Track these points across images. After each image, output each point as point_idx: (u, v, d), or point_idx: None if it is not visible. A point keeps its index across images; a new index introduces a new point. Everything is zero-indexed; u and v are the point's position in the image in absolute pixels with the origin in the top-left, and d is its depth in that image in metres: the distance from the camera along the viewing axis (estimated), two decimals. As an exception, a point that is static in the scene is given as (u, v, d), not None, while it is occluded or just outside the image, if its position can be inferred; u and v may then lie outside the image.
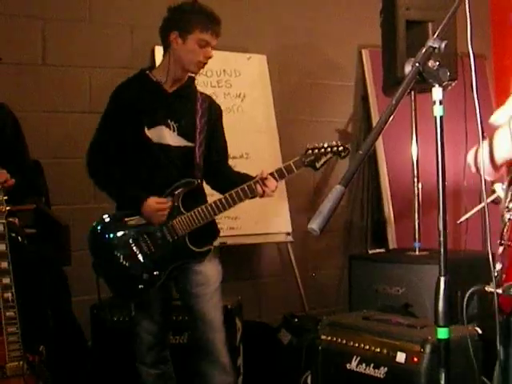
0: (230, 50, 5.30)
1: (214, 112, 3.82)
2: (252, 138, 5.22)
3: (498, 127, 2.46)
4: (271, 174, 3.57)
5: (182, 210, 3.59)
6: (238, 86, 5.31)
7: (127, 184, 3.68)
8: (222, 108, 3.98)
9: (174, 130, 3.65)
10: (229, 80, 5.29)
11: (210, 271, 3.71)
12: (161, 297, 3.73)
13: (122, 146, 3.70)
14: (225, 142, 3.91)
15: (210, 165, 3.80)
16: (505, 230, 2.25)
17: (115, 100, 3.75)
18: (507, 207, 2.27)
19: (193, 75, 3.79)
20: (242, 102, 5.29)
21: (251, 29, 5.54)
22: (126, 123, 3.66)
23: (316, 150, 3.60)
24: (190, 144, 3.68)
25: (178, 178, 3.63)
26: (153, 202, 3.57)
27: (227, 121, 3.98)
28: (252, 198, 3.61)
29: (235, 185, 3.58)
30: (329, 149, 3.62)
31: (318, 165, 3.63)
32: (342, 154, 3.66)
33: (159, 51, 3.96)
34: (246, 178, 3.65)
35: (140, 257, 3.61)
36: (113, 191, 3.74)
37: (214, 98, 3.97)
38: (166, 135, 3.64)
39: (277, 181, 3.59)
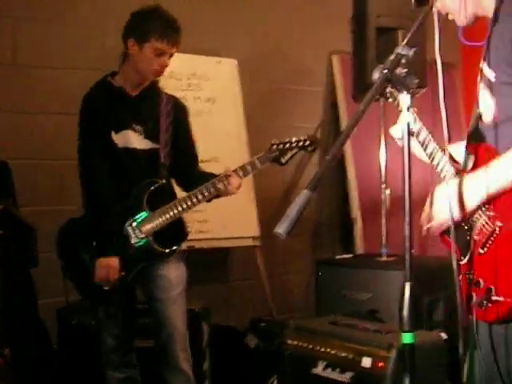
0: (200, 53, 5.31)
1: (179, 112, 3.80)
2: (221, 142, 5.23)
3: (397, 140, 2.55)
4: (234, 171, 3.57)
5: (146, 211, 3.58)
6: (209, 89, 5.31)
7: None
8: (192, 111, 3.97)
9: (140, 134, 3.65)
10: (199, 84, 5.28)
11: (173, 274, 3.69)
12: (125, 300, 3.72)
13: (98, 155, 3.69)
14: (193, 143, 3.88)
15: (179, 166, 3.79)
16: (480, 237, 2.26)
17: (84, 113, 3.74)
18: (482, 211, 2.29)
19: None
20: (212, 105, 5.29)
21: (223, 33, 5.54)
22: (96, 132, 3.66)
23: (281, 145, 3.60)
24: (156, 146, 3.67)
25: (144, 179, 3.62)
26: (108, 263, 3.54)
27: (197, 124, 3.98)
28: (217, 196, 3.60)
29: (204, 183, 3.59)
30: (294, 143, 3.62)
31: (283, 160, 3.62)
32: (309, 149, 3.66)
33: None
34: (213, 177, 3.64)
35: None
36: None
37: (183, 100, 3.96)
38: (133, 139, 3.64)
39: (240, 178, 3.58)
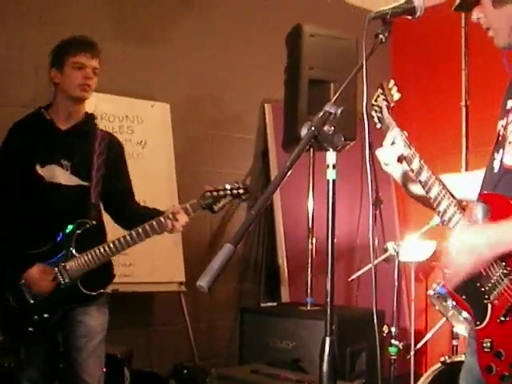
0: (133, 96, 5.30)
1: (113, 149, 3.79)
2: (150, 186, 5.18)
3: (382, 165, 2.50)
4: (184, 208, 3.57)
5: (74, 252, 3.53)
6: (140, 132, 5.30)
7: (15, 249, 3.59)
8: (122, 154, 3.96)
9: (67, 169, 3.62)
10: (131, 126, 5.26)
11: (94, 322, 3.63)
12: (46, 343, 3.63)
13: (15, 186, 3.63)
14: (128, 180, 3.88)
15: (114, 203, 3.79)
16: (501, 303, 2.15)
17: (8, 139, 3.70)
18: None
19: (93, 113, 3.81)
20: (143, 149, 5.27)
21: (156, 77, 5.55)
22: (17, 162, 3.61)
23: (214, 193, 3.60)
24: (84, 183, 3.64)
25: (72, 218, 3.57)
26: (35, 272, 3.50)
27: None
28: (160, 233, 3.58)
29: (143, 218, 3.56)
30: (228, 191, 3.62)
31: (216, 208, 3.62)
32: (243, 197, 3.66)
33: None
34: (155, 212, 3.63)
35: (30, 299, 3.53)
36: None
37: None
38: (59, 174, 3.60)
39: (188, 215, 3.58)
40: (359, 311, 5.22)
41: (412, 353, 5.15)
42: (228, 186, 3.62)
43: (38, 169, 3.59)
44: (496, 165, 2.31)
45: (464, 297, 2.28)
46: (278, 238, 5.97)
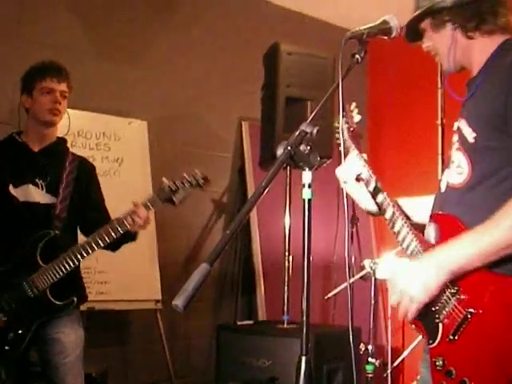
0: (111, 113, 5.29)
1: (83, 170, 3.82)
2: (127, 203, 5.13)
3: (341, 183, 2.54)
4: (143, 204, 3.59)
5: (40, 263, 3.52)
6: (117, 150, 5.28)
7: None
8: (99, 171, 3.97)
9: (42, 188, 3.64)
10: (108, 143, 5.25)
11: (69, 338, 3.61)
12: (16, 362, 3.58)
13: None
14: (100, 198, 3.90)
15: (86, 219, 3.79)
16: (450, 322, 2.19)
17: None
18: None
19: (64, 137, 3.85)
20: (120, 166, 5.25)
21: (134, 94, 5.55)
22: None
23: (172, 185, 3.59)
24: (56, 200, 3.65)
25: (39, 231, 3.57)
26: None
27: (103, 184, 3.97)
28: (123, 234, 3.57)
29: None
30: (186, 181, 3.61)
31: (176, 199, 3.61)
32: (202, 186, 3.67)
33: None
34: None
35: (1, 316, 3.50)
36: None
37: (91, 160, 3.96)
38: (34, 193, 3.62)
39: (148, 210, 3.59)
40: (336, 329, 5.22)
41: (389, 371, 5.15)
42: (186, 176, 3.61)
43: (11, 189, 3.61)
44: (443, 185, 2.38)
45: (417, 317, 2.30)
46: (255, 255, 5.97)
